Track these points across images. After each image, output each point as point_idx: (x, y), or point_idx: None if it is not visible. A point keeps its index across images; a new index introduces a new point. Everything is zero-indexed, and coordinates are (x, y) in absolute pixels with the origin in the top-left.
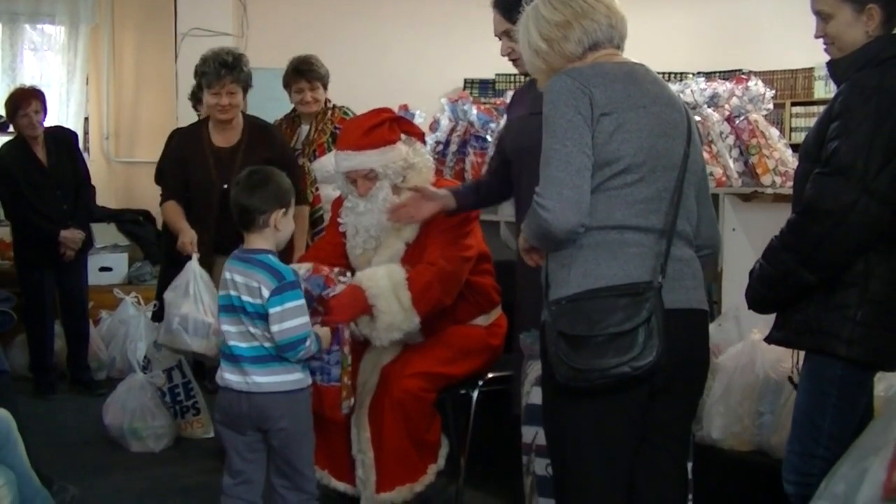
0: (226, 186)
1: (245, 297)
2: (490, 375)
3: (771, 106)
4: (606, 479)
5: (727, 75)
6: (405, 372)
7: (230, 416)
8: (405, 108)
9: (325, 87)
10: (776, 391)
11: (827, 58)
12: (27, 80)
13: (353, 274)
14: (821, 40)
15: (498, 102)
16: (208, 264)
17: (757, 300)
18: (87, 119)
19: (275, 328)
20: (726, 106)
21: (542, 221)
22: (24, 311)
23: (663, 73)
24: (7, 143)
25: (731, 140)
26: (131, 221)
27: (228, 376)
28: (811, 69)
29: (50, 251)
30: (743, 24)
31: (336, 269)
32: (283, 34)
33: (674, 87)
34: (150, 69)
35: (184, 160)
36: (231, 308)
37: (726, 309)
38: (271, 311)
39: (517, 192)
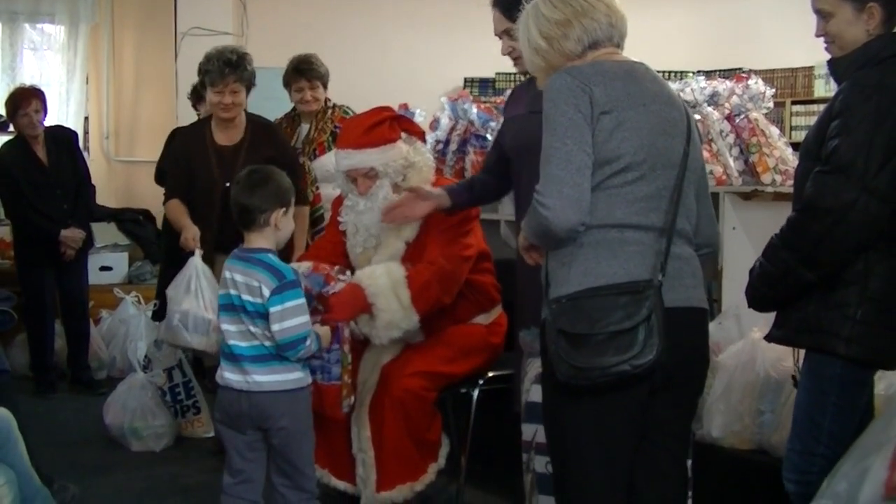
0: (228, 185)
1: (245, 296)
2: (491, 374)
3: (771, 104)
4: (606, 478)
5: (727, 74)
6: (406, 371)
7: (230, 415)
8: (405, 106)
9: (325, 86)
10: (776, 390)
11: (827, 56)
12: (27, 79)
13: (352, 272)
14: (821, 39)
15: (498, 101)
16: (210, 262)
17: (757, 298)
18: (86, 118)
19: (275, 327)
20: (726, 104)
21: (543, 220)
22: (24, 310)
23: (663, 72)
24: (7, 143)
25: (731, 139)
26: (131, 221)
27: (228, 375)
28: (811, 68)
29: (50, 250)
30: (743, 22)
31: (336, 268)
32: (283, 33)
33: (674, 85)
34: (149, 68)
35: (186, 158)
36: (231, 307)
37: (727, 307)
38: (272, 310)
39: (517, 191)
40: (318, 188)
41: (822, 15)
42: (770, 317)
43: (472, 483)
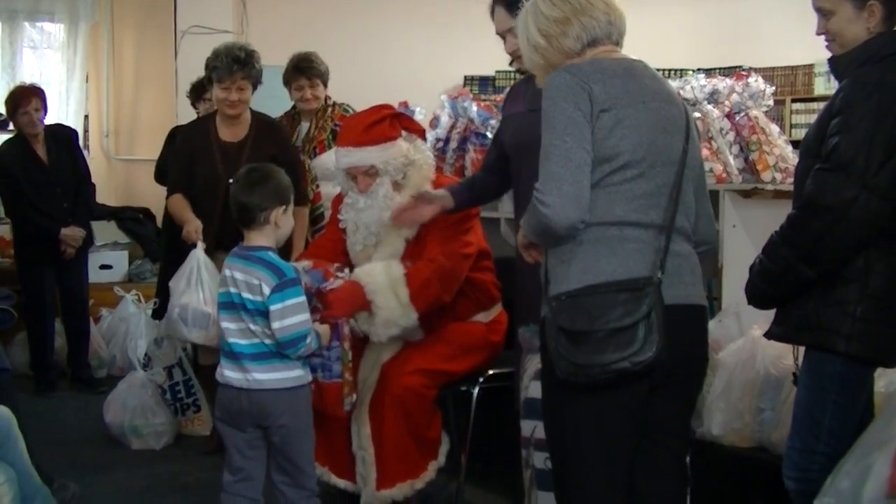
0: (231, 181)
1: (245, 294)
2: (491, 372)
3: (771, 102)
4: (606, 475)
5: (727, 72)
6: (406, 369)
7: (230, 413)
8: (405, 105)
9: (325, 85)
10: (777, 387)
11: (827, 54)
12: (27, 77)
13: (351, 271)
14: (821, 37)
15: (498, 99)
16: (210, 259)
17: (757, 295)
18: (86, 117)
19: (276, 325)
20: (726, 102)
21: (542, 217)
22: (24, 308)
23: (663, 70)
24: (7, 141)
25: (731, 136)
26: (131, 219)
27: (228, 373)
28: (811, 66)
29: (50, 249)
30: (743, 20)
31: (335, 266)
32: (283, 31)
33: (674, 83)
34: (149, 67)
35: (190, 154)
36: (231, 305)
37: (727, 305)
38: (272, 308)
39: (516, 189)
40: (318, 186)
41: (823, 13)
42: (770, 315)
43: (472, 481)
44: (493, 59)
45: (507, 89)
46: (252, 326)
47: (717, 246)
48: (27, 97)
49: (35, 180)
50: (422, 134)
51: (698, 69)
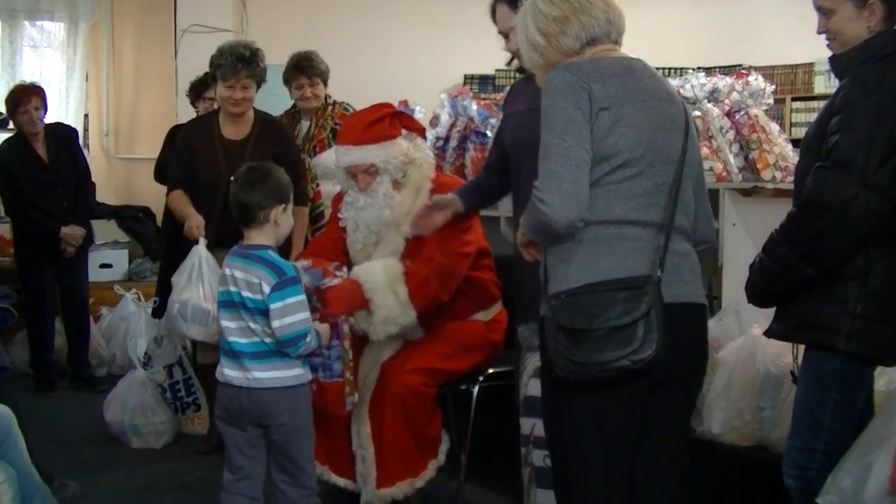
0: (233, 179)
1: (245, 293)
2: (490, 371)
3: (771, 101)
4: (606, 474)
5: (727, 70)
6: (405, 367)
7: (230, 412)
8: (405, 103)
9: (325, 83)
10: (777, 386)
11: (828, 53)
12: (27, 76)
13: (350, 269)
14: (821, 36)
15: (498, 98)
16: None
17: (757, 294)
18: (86, 116)
19: (276, 324)
20: (726, 101)
21: (542, 216)
22: (24, 307)
23: (664, 69)
24: (7, 140)
25: (731, 135)
26: (131, 218)
27: (228, 372)
28: (811, 64)
29: (50, 248)
30: (743, 19)
31: (333, 265)
32: (283, 30)
33: (674, 82)
34: (149, 66)
35: (192, 150)
36: (231, 304)
37: (727, 304)
38: (272, 306)
39: (516, 188)
40: (318, 185)
41: (824, 12)
42: (770, 313)
43: (472, 480)
44: (493, 57)
45: (508, 88)
46: (252, 325)
47: (717, 245)
48: (27, 96)
49: (35, 179)
50: (422, 132)
51: (698, 68)
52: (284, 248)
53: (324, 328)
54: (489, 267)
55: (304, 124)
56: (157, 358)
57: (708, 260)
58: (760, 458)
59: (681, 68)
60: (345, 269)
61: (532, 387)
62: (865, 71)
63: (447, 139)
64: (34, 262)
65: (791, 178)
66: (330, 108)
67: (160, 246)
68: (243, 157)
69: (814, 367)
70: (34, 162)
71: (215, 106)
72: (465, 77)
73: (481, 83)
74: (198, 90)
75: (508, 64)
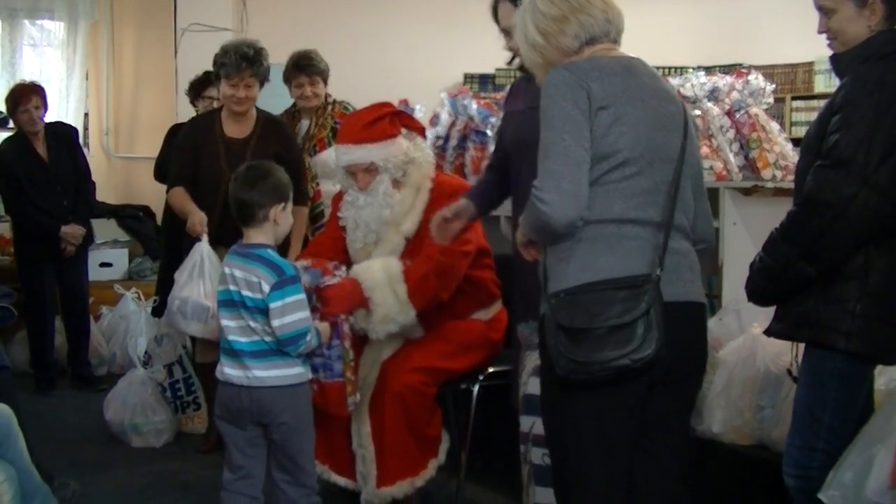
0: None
1: (245, 292)
2: (491, 370)
3: (771, 100)
4: (606, 473)
5: (727, 69)
6: (405, 366)
7: (230, 411)
8: (405, 102)
9: (326, 82)
10: (777, 385)
11: (828, 52)
12: (27, 75)
13: (349, 269)
14: (821, 35)
15: (498, 97)
16: None
17: (757, 292)
18: (86, 115)
19: (275, 323)
20: (726, 100)
21: (541, 215)
22: (24, 307)
23: (664, 68)
24: (7, 139)
25: (731, 134)
26: (131, 217)
27: (229, 371)
28: (811, 63)
29: (50, 247)
30: (743, 18)
31: (332, 264)
32: (283, 29)
33: (674, 81)
34: (149, 65)
35: (194, 147)
36: (231, 303)
37: (727, 303)
38: (272, 305)
39: (516, 187)
40: (318, 184)
41: (825, 11)
42: (770, 312)
43: (472, 479)
44: (492, 56)
45: (508, 87)
46: (252, 324)
47: (715, 244)
48: (27, 95)
49: (35, 178)
50: (421, 131)
51: (698, 67)
52: (282, 248)
53: (324, 327)
54: (489, 266)
55: (304, 123)
56: (158, 357)
57: (706, 259)
58: (760, 458)
59: (681, 67)
60: (343, 268)
61: (531, 385)
62: (866, 70)
63: (447, 138)
64: (34, 261)
65: (791, 178)
66: (330, 107)
67: (160, 245)
68: (245, 156)
69: (814, 366)
70: (34, 161)
71: (215, 105)
72: (465, 76)
73: (481, 82)
74: (197, 89)
75: (509, 63)
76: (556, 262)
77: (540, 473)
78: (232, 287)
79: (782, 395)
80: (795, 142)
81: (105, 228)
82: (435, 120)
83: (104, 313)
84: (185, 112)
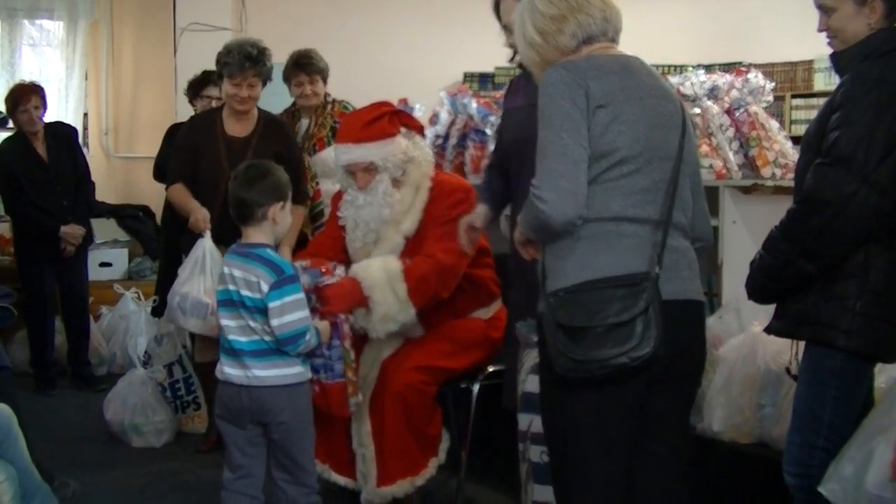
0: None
1: (244, 292)
2: (491, 369)
3: (771, 98)
4: (606, 471)
5: (727, 68)
6: (406, 365)
7: (230, 411)
8: (404, 101)
9: (325, 81)
10: (777, 383)
11: (827, 50)
12: (26, 75)
13: (348, 268)
14: (821, 33)
15: (497, 96)
16: None
17: (757, 290)
18: (86, 114)
19: (274, 322)
20: (726, 98)
21: (540, 213)
22: (24, 306)
23: (663, 66)
24: (7, 139)
25: (730, 132)
26: (131, 217)
27: (228, 370)
28: (811, 61)
29: (50, 247)
30: (743, 16)
31: (332, 263)
32: (283, 28)
33: (673, 79)
34: (148, 64)
35: (195, 145)
36: (230, 302)
37: (727, 301)
38: (271, 305)
39: (515, 185)
40: (317, 184)
41: (824, 10)
42: (770, 310)
43: (472, 478)
44: (492, 55)
45: (507, 84)
46: (251, 323)
47: (713, 242)
48: (27, 95)
49: (35, 178)
50: (421, 130)
51: (698, 65)
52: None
53: (324, 326)
54: (489, 265)
55: (304, 122)
56: (157, 356)
57: (704, 257)
58: (760, 455)
59: (680, 66)
60: (342, 267)
61: (530, 383)
62: (866, 68)
63: (447, 137)
64: (34, 260)
65: (791, 176)
66: (329, 106)
67: (160, 244)
68: (246, 155)
69: (814, 364)
70: (34, 161)
71: (213, 104)
72: (465, 75)
73: (481, 81)
74: (196, 88)
75: (511, 60)
76: (555, 261)
77: (538, 471)
78: (231, 287)
79: (782, 393)
80: (795, 140)
81: (105, 228)
82: (434, 119)
83: (104, 313)
84: (185, 112)
